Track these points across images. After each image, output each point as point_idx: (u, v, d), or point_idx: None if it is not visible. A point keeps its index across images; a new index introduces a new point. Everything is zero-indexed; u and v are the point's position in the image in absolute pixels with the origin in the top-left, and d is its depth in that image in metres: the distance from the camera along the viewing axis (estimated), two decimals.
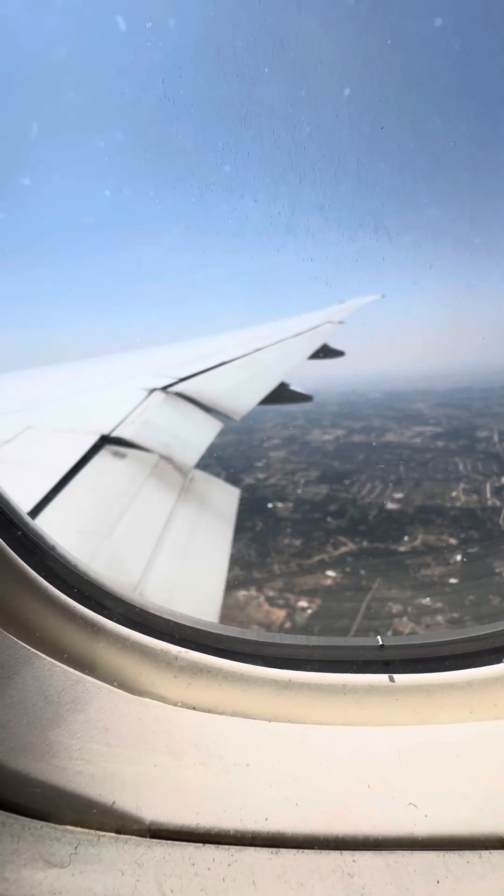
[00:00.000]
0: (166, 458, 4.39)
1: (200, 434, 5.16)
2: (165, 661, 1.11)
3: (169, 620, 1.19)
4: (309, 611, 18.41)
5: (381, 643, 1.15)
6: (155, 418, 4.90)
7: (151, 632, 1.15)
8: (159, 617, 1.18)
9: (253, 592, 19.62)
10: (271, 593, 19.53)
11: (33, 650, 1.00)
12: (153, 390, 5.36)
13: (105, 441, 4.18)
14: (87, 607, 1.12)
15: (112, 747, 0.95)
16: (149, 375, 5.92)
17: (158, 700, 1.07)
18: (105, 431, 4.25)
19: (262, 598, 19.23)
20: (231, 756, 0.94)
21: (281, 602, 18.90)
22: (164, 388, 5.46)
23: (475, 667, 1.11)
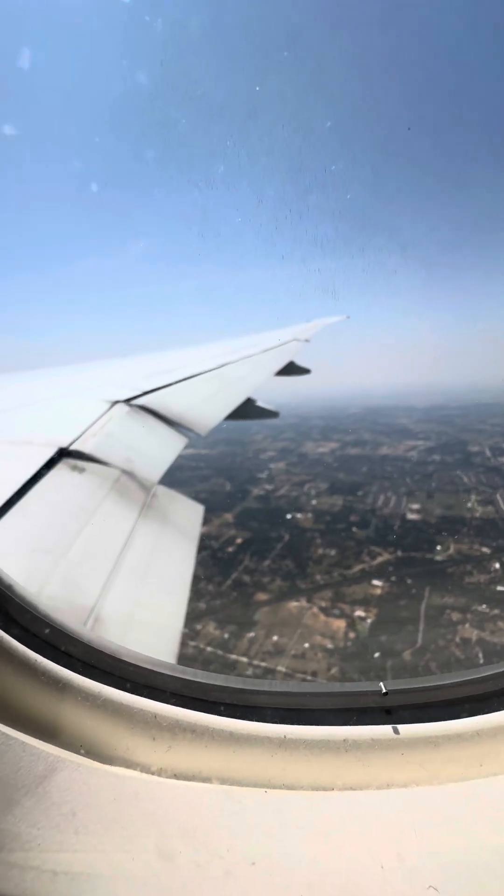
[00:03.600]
0: (128, 473, 4.18)
1: (164, 449, 4.98)
2: (143, 721, 0.95)
3: (145, 669, 1.03)
4: (368, 620, 18.33)
5: (383, 690, 1.04)
6: (117, 431, 4.68)
7: (125, 685, 0.99)
8: (134, 666, 1.03)
9: (304, 603, 19.41)
10: (323, 603, 19.48)
11: None
12: (116, 402, 5.14)
13: (63, 454, 3.93)
14: (49, 658, 0.95)
15: (80, 835, 0.79)
16: (112, 387, 5.69)
17: (135, 769, 0.91)
18: (63, 444, 4.00)
19: (315, 609, 19.09)
20: (224, 842, 0.80)
21: (336, 612, 18.83)
22: (128, 401, 5.25)
23: (482, 713, 1.02)
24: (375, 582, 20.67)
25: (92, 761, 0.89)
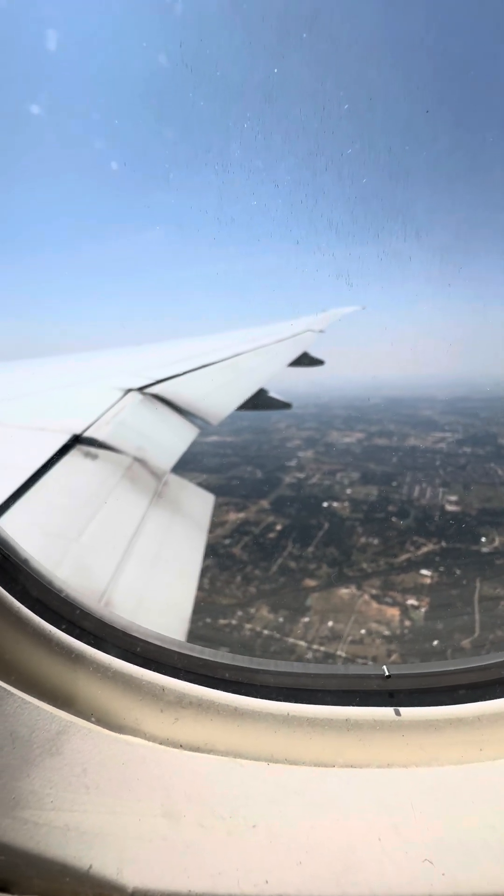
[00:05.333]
0: (140, 461, 4.23)
1: (176, 438, 5.02)
2: (151, 694, 0.99)
3: (154, 645, 1.07)
4: (422, 609, 18.49)
5: (386, 673, 1.06)
6: (130, 419, 4.73)
7: (135, 659, 1.02)
8: (144, 641, 1.06)
9: (354, 590, 19.68)
10: (374, 591, 19.71)
11: None
12: (129, 390, 5.19)
13: (77, 441, 3.99)
14: (63, 630, 0.99)
15: (91, 794, 0.83)
16: (125, 375, 5.73)
17: (143, 738, 0.95)
18: (77, 431, 4.05)
19: (366, 596, 19.35)
20: (227, 807, 0.84)
21: (389, 600, 19.06)
22: (141, 389, 5.30)
23: (484, 699, 1.04)
24: (424, 571, 20.76)
25: (102, 728, 0.93)
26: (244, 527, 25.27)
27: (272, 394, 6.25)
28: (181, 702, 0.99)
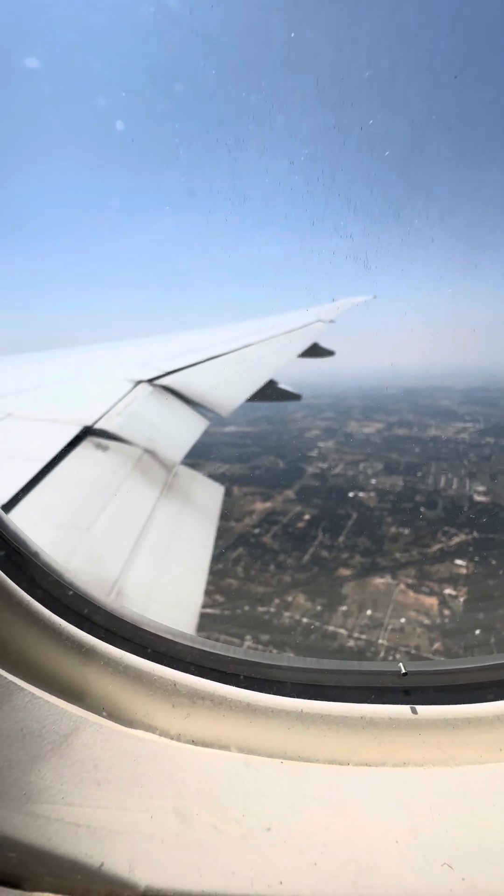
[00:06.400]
0: (150, 453, 4.24)
1: (186, 429, 5.02)
2: (162, 688, 0.97)
3: (166, 639, 1.05)
4: (461, 599, 18.55)
5: (402, 670, 1.04)
6: (140, 411, 4.73)
7: (146, 653, 1.01)
8: (155, 635, 1.05)
9: (389, 579, 19.83)
10: (409, 580, 19.76)
11: (9, 676, 0.85)
12: (139, 382, 5.18)
13: (88, 432, 4.00)
14: (74, 623, 0.98)
15: (102, 790, 0.82)
16: (135, 367, 5.73)
17: (154, 733, 0.94)
18: (88, 422, 4.07)
19: (402, 586, 19.48)
20: (239, 806, 0.82)
21: (425, 590, 19.13)
22: (151, 381, 5.29)
23: (503, 698, 1.01)
24: (458, 562, 20.74)
25: (113, 723, 0.92)
26: (272, 516, 25.44)
27: (282, 385, 6.20)
28: (193, 697, 0.98)
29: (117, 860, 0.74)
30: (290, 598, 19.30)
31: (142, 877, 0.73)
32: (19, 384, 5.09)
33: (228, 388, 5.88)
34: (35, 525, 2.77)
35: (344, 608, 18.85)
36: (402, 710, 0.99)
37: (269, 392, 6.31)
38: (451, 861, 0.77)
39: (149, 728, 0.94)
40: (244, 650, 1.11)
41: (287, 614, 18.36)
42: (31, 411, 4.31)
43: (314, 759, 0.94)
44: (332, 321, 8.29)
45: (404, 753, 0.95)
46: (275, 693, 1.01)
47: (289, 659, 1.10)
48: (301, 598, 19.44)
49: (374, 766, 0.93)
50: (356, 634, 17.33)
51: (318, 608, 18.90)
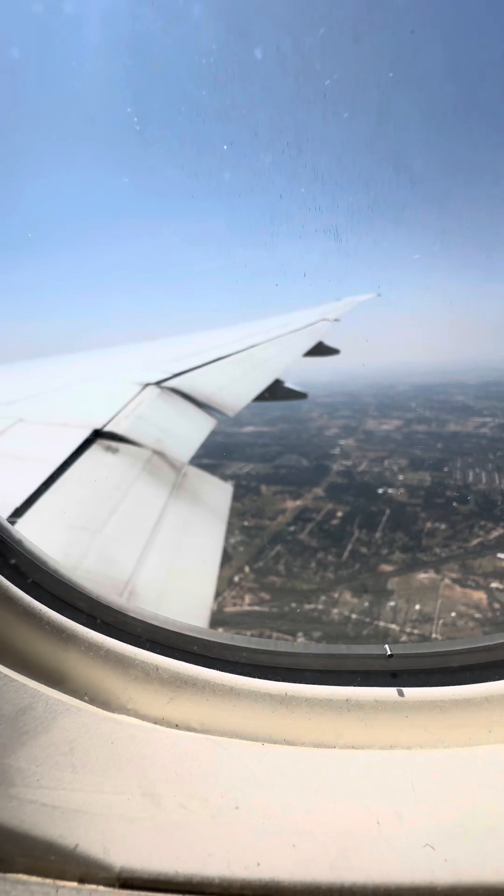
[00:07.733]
0: (159, 454, 4.26)
1: (194, 430, 5.04)
2: (144, 672, 0.97)
3: (149, 624, 1.05)
4: None
5: (388, 652, 1.01)
6: (148, 413, 4.77)
7: (129, 638, 1.01)
8: (138, 620, 1.04)
9: (433, 574, 19.79)
10: (453, 575, 19.67)
11: None
12: (147, 385, 5.23)
13: (97, 435, 4.05)
14: (54, 609, 0.98)
15: (78, 773, 0.81)
16: (142, 369, 5.78)
17: (135, 717, 0.93)
18: (97, 425, 4.12)
19: (447, 580, 19.43)
20: (219, 787, 0.81)
21: (471, 584, 19.00)
22: (158, 383, 5.33)
23: (492, 680, 0.98)
24: (501, 555, 20.55)
25: (94, 708, 0.92)
26: (305, 514, 25.42)
27: (288, 384, 6.19)
28: (176, 681, 0.97)
29: (92, 842, 0.74)
30: (336, 595, 19.27)
31: (116, 858, 0.72)
32: (30, 389, 5.18)
33: (235, 388, 5.90)
34: (48, 526, 2.81)
35: (392, 603, 18.79)
36: (389, 693, 0.97)
37: (276, 391, 6.30)
38: (433, 842, 0.75)
39: (130, 712, 0.94)
40: (230, 635, 1.10)
41: (335, 611, 18.33)
42: (41, 416, 4.38)
43: (298, 742, 0.93)
44: (336, 320, 8.24)
45: (391, 736, 0.93)
46: (260, 677, 1.00)
47: (275, 643, 1.08)
48: (347, 595, 19.41)
49: (359, 749, 0.91)
50: (408, 629, 17.22)
51: (366, 604, 18.85)
